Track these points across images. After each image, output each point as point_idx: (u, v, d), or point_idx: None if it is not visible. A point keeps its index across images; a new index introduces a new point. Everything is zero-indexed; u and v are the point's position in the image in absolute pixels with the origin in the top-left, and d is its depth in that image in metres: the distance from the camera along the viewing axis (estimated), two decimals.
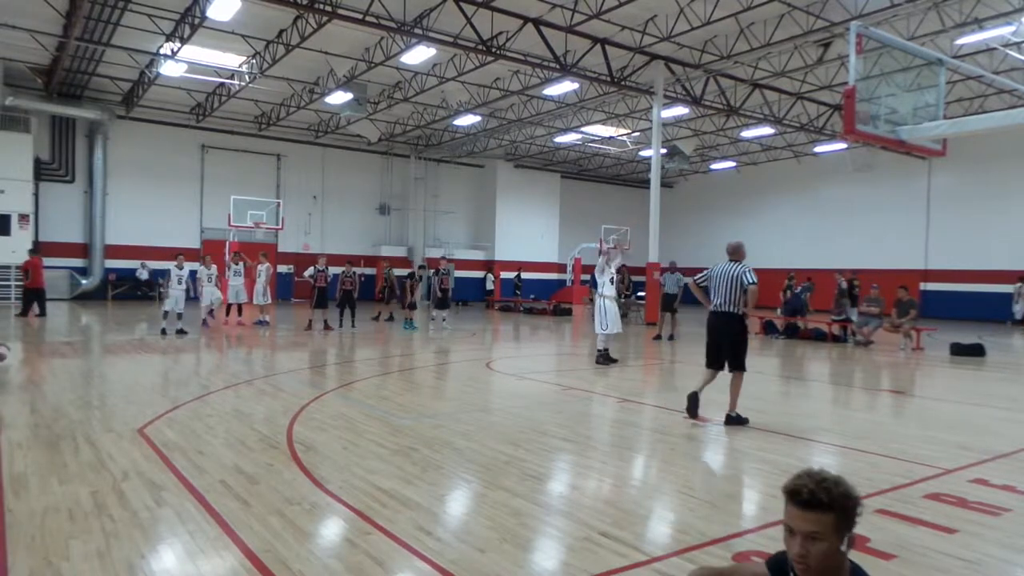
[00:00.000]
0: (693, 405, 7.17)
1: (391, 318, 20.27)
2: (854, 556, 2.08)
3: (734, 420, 7.00)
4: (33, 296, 18.63)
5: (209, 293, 16.90)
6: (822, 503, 1.89)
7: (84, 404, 7.43)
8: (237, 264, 17.62)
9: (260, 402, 7.87)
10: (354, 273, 17.66)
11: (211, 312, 17.21)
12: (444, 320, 18.27)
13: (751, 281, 6.97)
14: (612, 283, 11.78)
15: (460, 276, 33.50)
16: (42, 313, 18.43)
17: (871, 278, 19.29)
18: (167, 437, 6.01)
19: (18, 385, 8.74)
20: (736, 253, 7.22)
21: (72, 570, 3.39)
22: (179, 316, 14.84)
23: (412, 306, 18.83)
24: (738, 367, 7.12)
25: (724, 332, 7.13)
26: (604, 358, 11.69)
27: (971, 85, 21.08)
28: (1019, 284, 23.84)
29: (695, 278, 7.54)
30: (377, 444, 5.98)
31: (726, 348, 7.12)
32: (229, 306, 17.98)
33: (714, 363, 7.24)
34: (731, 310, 7.06)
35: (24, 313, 18.42)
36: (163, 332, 14.45)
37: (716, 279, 7.18)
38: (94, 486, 4.63)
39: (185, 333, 14.66)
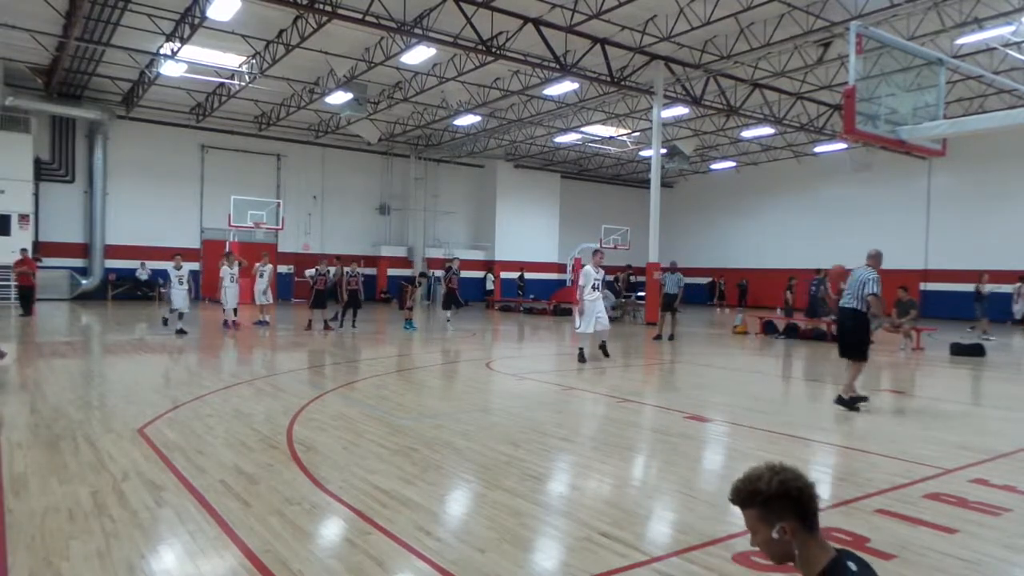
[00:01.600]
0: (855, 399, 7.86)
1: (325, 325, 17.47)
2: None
3: (844, 403, 7.70)
4: (29, 294, 18.69)
5: (233, 295, 16.61)
6: (738, 501, 2.05)
7: (84, 404, 7.43)
8: (233, 267, 17.24)
9: (260, 402, 7.87)
10: (358, 273, 17.57)
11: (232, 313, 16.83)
12: (448, 320, 18.42)
13: (871, 292, 7.78)
14: (595, 288, 11.92)
15: (460, 276, 33.53)
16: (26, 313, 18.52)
17: None
18: (167, 437, 6.01)
19: (18, 385, 8.74)
20: (871, 259, 7.99)
21: (72, 570, 3.39)
22: (180, 316, 14.84)
23: (411, 307, 18.79)
24: (858, 357, 7.86)
25: (846, 325, 7.94)
26: (580, 357, 11.90)
27: (971, 85, 21.07)
28: (1019, 284, 23.81)
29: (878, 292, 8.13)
30: (377, 444, 5.98)
31: (847, 337, 7.94)
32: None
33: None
34: (856, 306, 7.85)
35: (28, 312, 18.45)
36: (164, 322, 14.66)
37: (852, 280, 8.04)
38: (94, 486, 4.63)
39: (185, 333, 14.66)
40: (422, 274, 21.59)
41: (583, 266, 12.29)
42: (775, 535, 1.99)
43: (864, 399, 7.87)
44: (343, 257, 19.24)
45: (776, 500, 1.99)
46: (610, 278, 25.62)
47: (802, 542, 1.99)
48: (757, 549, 2.07)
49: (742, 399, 7.11)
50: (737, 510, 2.08)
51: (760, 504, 2.00)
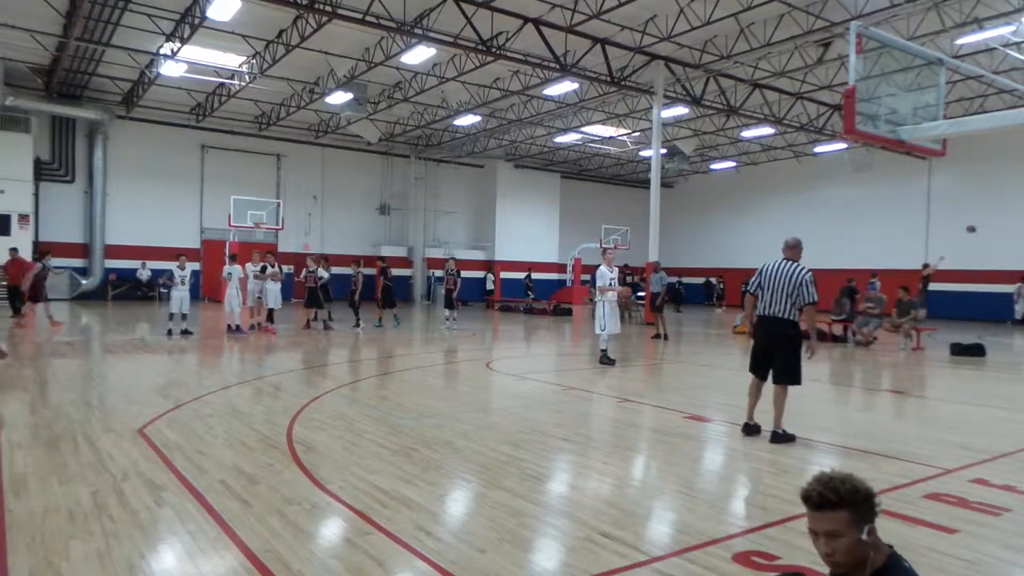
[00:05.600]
0: (752, 430, 6.56)
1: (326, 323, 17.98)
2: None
3: (785, 438, 6.32)
4: (18, 295, 18.21)
5: (274, 297, 16.23)
6: (832, 502, 2.02)
7: (84, 404, 7.43)
8: (274, 267, 16.62)
9: (260, 402, 7.87)
10: (359, 274, 17.49)
11: (268, 317, 16.38)
12: (453, 320, 18.32)
13: (813, 299, 6.28)
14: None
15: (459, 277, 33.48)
16: (18, 313, 18.03)
17: (870, 278, 19.26)
18: (167, 437, 6.01)
19: (18, 385, 8.74)
20: (793, 251, 6.55)
21: (72, 570, 3.39)
22: (184, 317, 14.80)
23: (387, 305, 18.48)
24: (795, 380, 6.43)
25: (780, 338, 6.40)
26: (604, 358, 11.72)
27: (971, 85, 21.08)
28: (1020, 284, 23.83)
29: (748, 287, 6.66)
30: (377, 444, 5.97)
31: (779, 357, 6.42)
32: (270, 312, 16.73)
33: (760, 372, 6.59)
34: (790, 316, 6.32)
35: (16, 313, 17.96)
36: (168, 333, 14.47)
37: (775, 277, 6.39)
38: (94, 486, 4.63)
39: (190, 333, 14.63)
40: (380, 262, 19.76)
41: (597, 267, 12.18)
42: (864, 536, 2.02)
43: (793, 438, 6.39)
44: (338, 258, 19.09)
45: (866, 502, 2.04)
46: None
47: (875, 544, 2.05)
48: (827, 552, 2.03)
49: (742, 399, 7.06)
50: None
51: (854, 505, 2.02)
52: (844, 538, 2.01)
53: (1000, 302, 24.76)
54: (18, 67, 22.07)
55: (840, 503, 2.01)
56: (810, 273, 6.38)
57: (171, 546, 3.73)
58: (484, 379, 10.51)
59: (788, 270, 6.38)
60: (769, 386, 6.58)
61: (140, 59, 20.83)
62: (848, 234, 30.13)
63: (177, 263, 14.95)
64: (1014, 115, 8.14)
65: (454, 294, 18.62)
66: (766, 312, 6.44)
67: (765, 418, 6.51)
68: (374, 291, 18.91)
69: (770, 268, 6.49)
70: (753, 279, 6.61)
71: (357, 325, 16.95)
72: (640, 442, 6.70)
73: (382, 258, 19.18)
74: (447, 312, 18.49)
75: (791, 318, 6.34)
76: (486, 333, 18.57)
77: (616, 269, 12.15)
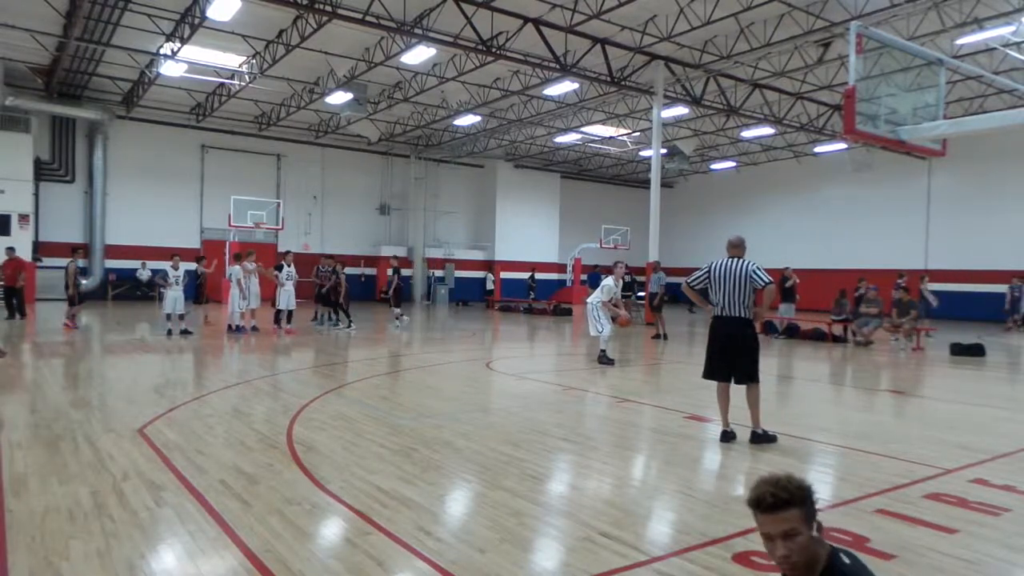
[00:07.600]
0: (729, 436, 6.41)
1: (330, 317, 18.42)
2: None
3: (765, 437, 6.32)
4: (15, 295, 17.75)
5: (289, 298, 16.17)
6: (785, 501, 2.02)
7: (84, 404, 7.43)
8: (290, 267, 16.42)
9: (260, 402, 7.87)
10: (342, 274, 17.46)
11: (285, 317, 16.30)
12: (402, 318, 18.27)
13: (768, 281, 6.34)
14: (611, 301, 11.85)
15: (460, 276, 33.56)
16: (12, 316, 17.55)
17: (871, 278, 19.24)
18: (167, 437, 6.01)
19: (18, 385, 8.74)
20: (737, 248, 6.53)
21: (72, 570, 3.39)
22: (181, 317, 14.81)
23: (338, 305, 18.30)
24: (757, 379, 6.44)
25: (740, 338, 6.38)
26: (604, 358, 11.76)
27: (971, 85, 21.08)
28: (1021, 284, 23.75)
29: (689, 280, 6.73)
30: (377, 444, 5.98)
31: (740, 358, 6.38)
32: (278, 312, 16.60)
33: (723, 375, 6.50)
34: (743, 315, 6.36)
35: (12, 316, 17.58)
36: (168, 333, 14.48)
37: (724, 275, 6.38)
38: (94, 486, 4.63)
39: (190, 333, 14.64)
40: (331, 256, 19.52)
41: (595, 266, 12.17)
42: (815, 534, 2.04)
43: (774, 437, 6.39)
44: (338, 258, 19.00)
45: (811, 498, 2.07)
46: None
47: (820, 542, 2.07)
48: (785, 553, 2.01)
49: (740, 399, 7.04)
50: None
51: (804, 502, 2.04)
52: (800, 536, 2.01)
53: (1000, 302, 24.73)
54: (18, 67, 22.08)
55: (792, 501, 2.02)
56: (755, 263, 6.41)
57: (171, 546, 3.73)
58: (484, 379, 10.51)
59: (737, 267, 6.39)
60: (736, 388, 6.49)
61: (140, 59, 20.83)
62: (848, 234, 30.13)
63: (171, 263, 14.94)
64: (1014, 115, 8.14)
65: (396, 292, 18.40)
66: (723, 313, 6.45)
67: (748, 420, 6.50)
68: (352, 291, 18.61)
69: (719, 268, 6.46)
70: (699, 275, 6.59)
71: (349, 325, 16.96)
72: (640, 442, 6.70)
73: (330, 256, 19.00)
74: (396, 311, 18.21)
75: (748, 316, 6.40)
76: (486, 333, 18.56)
77: (621, 281, 12.16)
